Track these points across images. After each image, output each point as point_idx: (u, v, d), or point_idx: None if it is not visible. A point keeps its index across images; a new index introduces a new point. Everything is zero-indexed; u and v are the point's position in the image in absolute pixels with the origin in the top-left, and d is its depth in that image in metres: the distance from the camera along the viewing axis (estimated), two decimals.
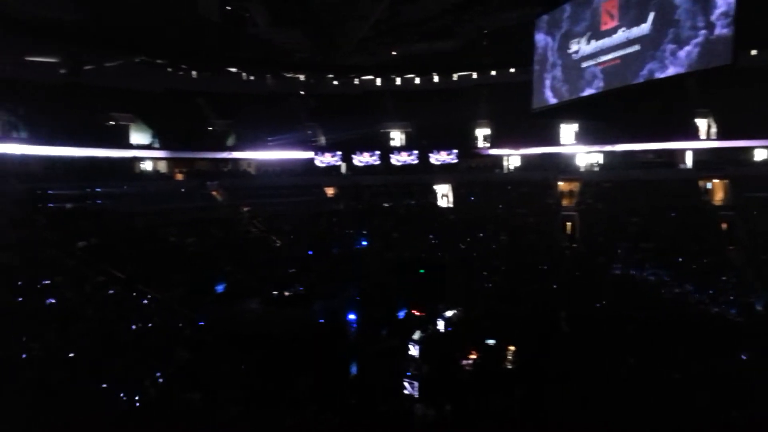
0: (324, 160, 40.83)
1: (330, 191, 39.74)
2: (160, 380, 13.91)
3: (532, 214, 34.69)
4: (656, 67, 16.16)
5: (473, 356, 16.79)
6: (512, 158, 43.15)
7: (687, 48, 15.14)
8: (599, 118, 34.42)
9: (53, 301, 17.87)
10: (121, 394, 12.71)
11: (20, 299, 16.97)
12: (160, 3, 27.29)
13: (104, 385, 12.89)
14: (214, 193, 35.87)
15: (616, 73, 17.78)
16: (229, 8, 30.65)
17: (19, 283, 18.41)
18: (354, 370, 16.61)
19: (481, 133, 44.12)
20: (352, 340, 19.61)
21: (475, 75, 43.74)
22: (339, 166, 41.43)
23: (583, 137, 39.98)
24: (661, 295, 24.24)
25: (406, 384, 14.73)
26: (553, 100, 21.23)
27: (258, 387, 14.57)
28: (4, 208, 24.06)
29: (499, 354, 16.78)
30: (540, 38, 21.69)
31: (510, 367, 16.36)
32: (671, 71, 15.72)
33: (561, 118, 38.83)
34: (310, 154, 41.03)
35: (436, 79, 44.05)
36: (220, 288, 23.23)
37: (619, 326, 17.88)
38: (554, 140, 40.87)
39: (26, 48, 30.12)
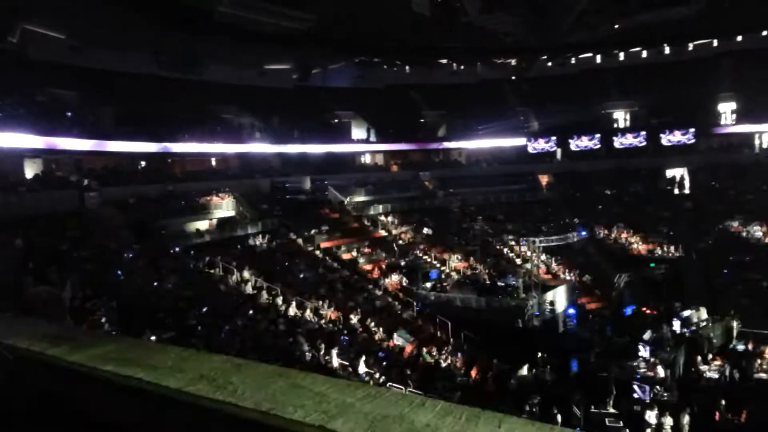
0: (537, 146, 39.27)
1: (544, 179, 38.07)
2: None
3: None
4: None
5: (718, 362, 14.93)
6: (765, 136, 36.53)
7: None
8: None
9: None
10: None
11: (266, 279, 19.25)
12: (375, 6, 28.78)
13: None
14: (426, 183, 36.89)
15: None
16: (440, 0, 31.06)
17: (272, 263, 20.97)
18: (575, 366, 15.62)
19: (725, 108, 38.17)
20: (571, 336, 18.52)
21: (715, 43, 37.97)
22: (554, 152, 39.46)
23: None
24: None
25: (635, 387, 13.44)
26: None
27: (474, 373, 14.50)
28: (254, 201, 27.68)
29: (751, 361, 14.76)
30: None
31: (766, 376, 14.27)
32: None
33: None
34: (522, 141, 39.84)
35: (667, 50, 39.26)
36: (433, 275, 23.72)
37: None
38: None
39: (264, 58, 34.31)
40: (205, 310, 14.82)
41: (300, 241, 24.18)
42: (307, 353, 13.69)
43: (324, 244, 24.59)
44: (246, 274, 18.49)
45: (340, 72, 37.60)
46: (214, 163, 32.78)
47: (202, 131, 29.49)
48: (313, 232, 25.58)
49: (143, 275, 15.85)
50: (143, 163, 28.79)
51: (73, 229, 17.45)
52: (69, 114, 25.15)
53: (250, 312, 15.66)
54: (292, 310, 16.56)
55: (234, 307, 15.69)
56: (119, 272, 15.51)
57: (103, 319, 11.75)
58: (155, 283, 15.64)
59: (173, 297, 15.07)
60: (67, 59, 24.85)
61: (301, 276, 20.46)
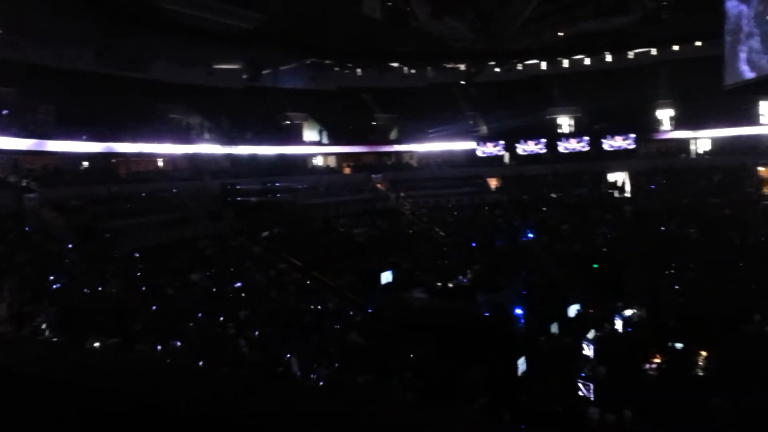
0: (486, 150, 40.07)
1: (493, 182, 38.90)
2: (336, 363, 14.55)
3: (727, 205, 30.56)
4: None
5: (657, 360, 15.54)
6: (700, 142, 38.54)
7: None
8: None
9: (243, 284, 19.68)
10: (298, 372, 13.51)
11: (216, 283, 18.91)
12: (326, 7, 28.83)
13: (288, 361, 13.80)
14: (378, 185, 37.05)
15: None
16: (390, 4, 31.43)
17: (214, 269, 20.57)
18: (522, 366, 16.01)
19: (663, 114, 40.04)
20: (519, 336, 18.95)
21: (654, 51, 39.79)
22: (502, 156, 40.38)
23: None
24: None
25: (580, 385, 13.86)
26: (749, 75, 18.98)
27: (427, 375, 14.65)
28: (202, 203, 27.15)
29: (688, 359, 15.24)
30: (732, 5, 19.47)
31: (701, 374, 14.75)
32: None
33: (760, 94, 33.74)
34: (471, 145, 40.58)
35: (608, 58, 40.84)
36: (386, 277, 23.83)
37: None
38: (752, 120, 35.75)
39: (214, 57, 33.71)
40: (151, 314, 14.45)
41: (251, 243, 23.88)
42: (253, 357, 13.54)
43: (276, 247, 24.35)
44: (195, 277, 18.13)
45: (291, 73, 37.31)
46: (161, 164, 31.94)
47: (148, 131, 28.68)
48: (264, 234, 25.32)
49: (86, 279, 15.32)
50: (86, 164, 27.77)
51: (11, 232, 16.72)
52: (6, 112, 24.03)
53: (199, 316, 15.36)
54: (243, 314, 16.33)
55: (182, 312, 15.34)
56: (60, 276, 14.94)
57: (44, 325, 11.31)
58: (99, 288, 15.14)
59: (118, 301, 14.61)
60: (5, 54, 23.68)
61: (253, 279, 20.20)
